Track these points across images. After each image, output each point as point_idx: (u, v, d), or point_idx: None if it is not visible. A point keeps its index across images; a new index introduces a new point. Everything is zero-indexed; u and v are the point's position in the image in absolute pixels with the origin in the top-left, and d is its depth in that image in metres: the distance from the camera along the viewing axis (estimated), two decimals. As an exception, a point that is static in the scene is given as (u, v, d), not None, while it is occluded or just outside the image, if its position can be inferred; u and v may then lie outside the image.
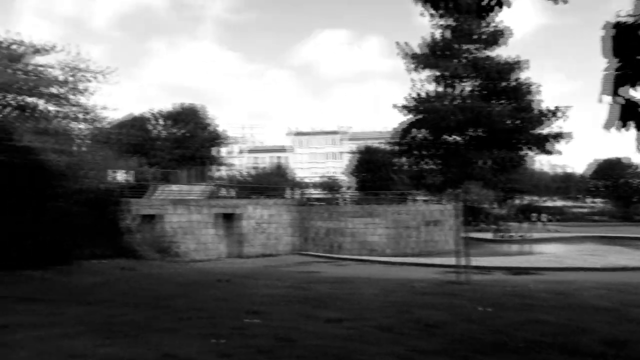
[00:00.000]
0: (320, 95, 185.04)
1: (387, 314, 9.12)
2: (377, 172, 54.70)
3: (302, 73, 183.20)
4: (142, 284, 10.26)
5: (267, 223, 34.55)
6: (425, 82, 50.36)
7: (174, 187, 37.91)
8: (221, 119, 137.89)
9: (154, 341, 6.53)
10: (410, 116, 48.23)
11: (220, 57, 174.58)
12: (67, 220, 12.04)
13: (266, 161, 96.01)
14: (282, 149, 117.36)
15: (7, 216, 10.98)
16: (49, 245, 11.61)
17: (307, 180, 74.41)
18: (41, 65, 24.55)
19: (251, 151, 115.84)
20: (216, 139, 64.12)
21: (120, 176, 30.13)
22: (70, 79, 24.44)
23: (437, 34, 50.85)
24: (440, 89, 49.77)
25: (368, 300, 10.95)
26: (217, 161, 66.00)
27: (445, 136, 49.50)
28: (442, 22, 48.61)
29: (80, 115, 25.10)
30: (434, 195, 44.70)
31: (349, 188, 60.38)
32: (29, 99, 23.99)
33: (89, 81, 24.62)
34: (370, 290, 12.79)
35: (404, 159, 51.76)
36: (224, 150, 70.02)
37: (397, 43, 51.21)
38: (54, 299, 8.85)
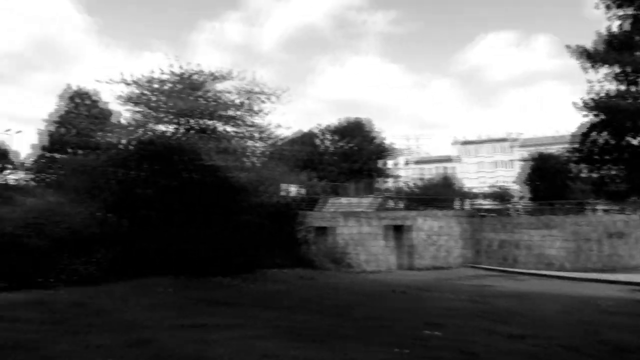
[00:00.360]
0: (486, 101, 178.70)
1: (572, 333, 8.57)
2: (551, 180, 51.57)
3: (466, 80, 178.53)
4: (321, 293, 10.67)
5: (437, 235, 34.06)
6: (604, 81, 46.29)
7: (343, 200, 38.75)
8: (386, 131, 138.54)
9: (339, 347, 6.77)
10: (590, 117, 44.70)
11: (384, 69, 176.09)
12: (250, 232, 12.91)
13: (432, 172, 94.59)
14: (448, 159, 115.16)
15: (197, 229, 11.99)
16: (235, 255, 12.49)
17: (475, 190, 72.18)
18: (219, 91, 26.69)
19: (417, 162, 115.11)
20: (383, 151, 64.63)
21: (294, 190, 31.52)
22: (246, 101, 26.25)
23: (614, 26, 46.49)
24: (622, 87, 45.55)
25: (550, 318, 10.37)
26: (383, 173, 66.53)
27: (628, 138, 45.22)
28: (620, 12, 44.14)
29: (256, 135, 26.81)
30: (617, 204, 41.11)
31: (521, 198, 57.61)
32: (209, 122, 26.17)
33: (263, 102, 26.25)
34: (552, 307, 12.11)
35: (582, 165, 48.12)
36: (390, 162, 70.43)
37: (568, 46, 47.84)
38: (243, 304, 9.52)
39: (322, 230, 28.76)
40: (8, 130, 48.46)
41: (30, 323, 7.93)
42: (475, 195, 60.86)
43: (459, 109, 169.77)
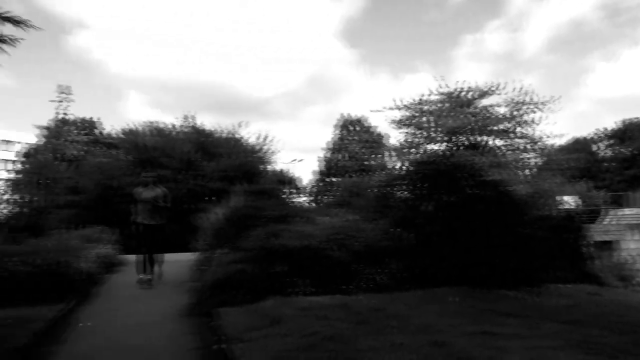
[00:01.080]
0: None
1: None
2: None
3: None
4: (609, 309, 10.44)
5: None
6: None
7: (627, 211, 35.77)
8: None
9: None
10: None
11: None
12: (531, 245, 13.08)
13: None
14: None
15: (478, 241, 12.59)
16: (516, 268, 12.79)
17: None
18: (489, 106, 26.98)
19: None
20: (673, 154, 57.59)
21: (570, 202, 30.17)
22: (515, 113, 26.14)
23: None
24: None
25: None
26: (676, 179, 59.06)
27: None
28: None
29: (528, 146, 26.47)
30: None
31: None
32: (479, 137, 26.58)
33: (534, 112, 25.88)
34: None
35: None
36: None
37: None
38: (529, 315, 9.84)
39: (604, 245, 27.06)
40: (294, 160, 55.94)
41: (339, 321, 9.27)
42: None
43: None
